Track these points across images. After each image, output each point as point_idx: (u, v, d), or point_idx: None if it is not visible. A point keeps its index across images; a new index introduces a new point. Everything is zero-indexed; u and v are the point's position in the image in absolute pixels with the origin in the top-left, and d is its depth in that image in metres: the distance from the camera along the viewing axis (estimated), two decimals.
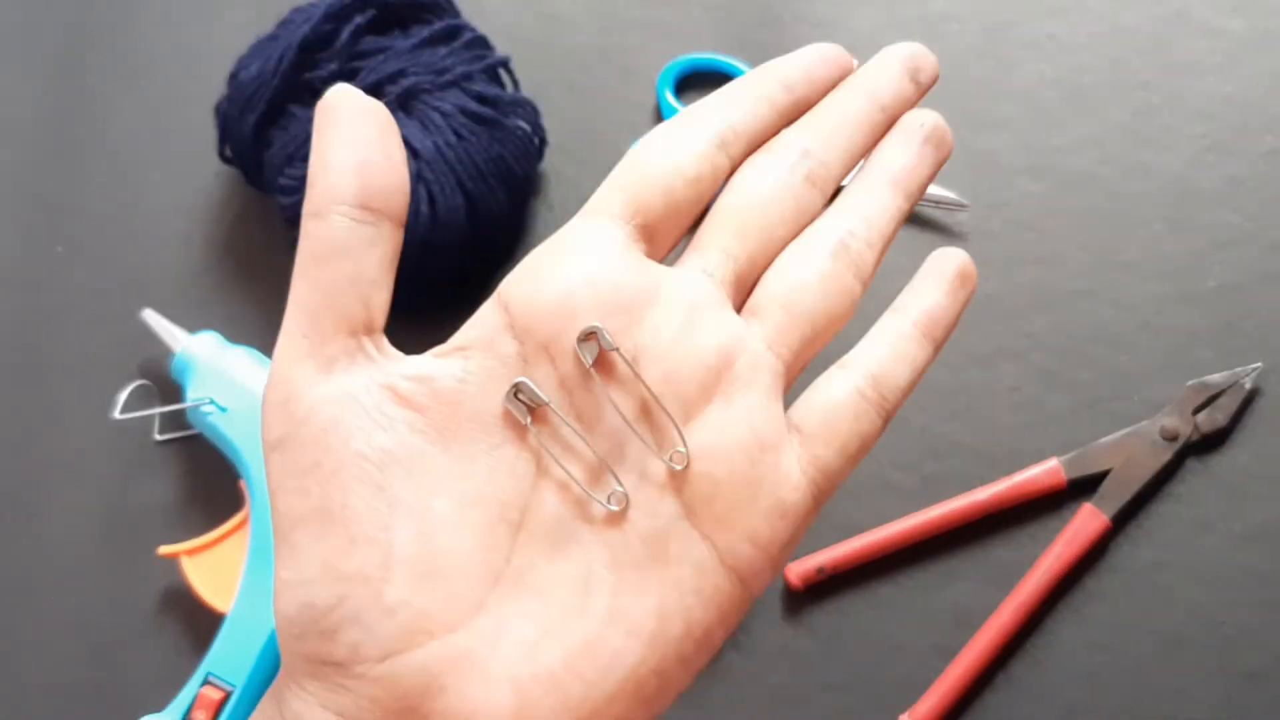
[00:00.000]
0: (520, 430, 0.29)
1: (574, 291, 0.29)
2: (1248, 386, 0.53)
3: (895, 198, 0.33)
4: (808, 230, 0.32)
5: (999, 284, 0.56)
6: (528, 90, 0.61)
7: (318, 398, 0.28)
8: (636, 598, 0.28)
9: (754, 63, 0.61)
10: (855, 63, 0.35)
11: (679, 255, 0.32)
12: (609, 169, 0.61)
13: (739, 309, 0.31)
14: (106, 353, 0.60)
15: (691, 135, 0.31)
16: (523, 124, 0.58)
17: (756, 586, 0.29)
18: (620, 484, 0.29)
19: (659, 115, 0.61)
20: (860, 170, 0.34)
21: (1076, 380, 0.54)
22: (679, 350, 0.29)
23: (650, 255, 0.31)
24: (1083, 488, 0.52)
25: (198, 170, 0.63)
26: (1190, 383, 0.53)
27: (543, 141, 0.60)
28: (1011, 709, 0.51)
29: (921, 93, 0.34)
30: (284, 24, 0.58)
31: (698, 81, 0.62)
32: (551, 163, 0.61)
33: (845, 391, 0.31)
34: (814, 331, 0.31)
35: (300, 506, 0.27)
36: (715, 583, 0.29)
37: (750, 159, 0.32)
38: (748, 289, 0.31)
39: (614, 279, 0.29)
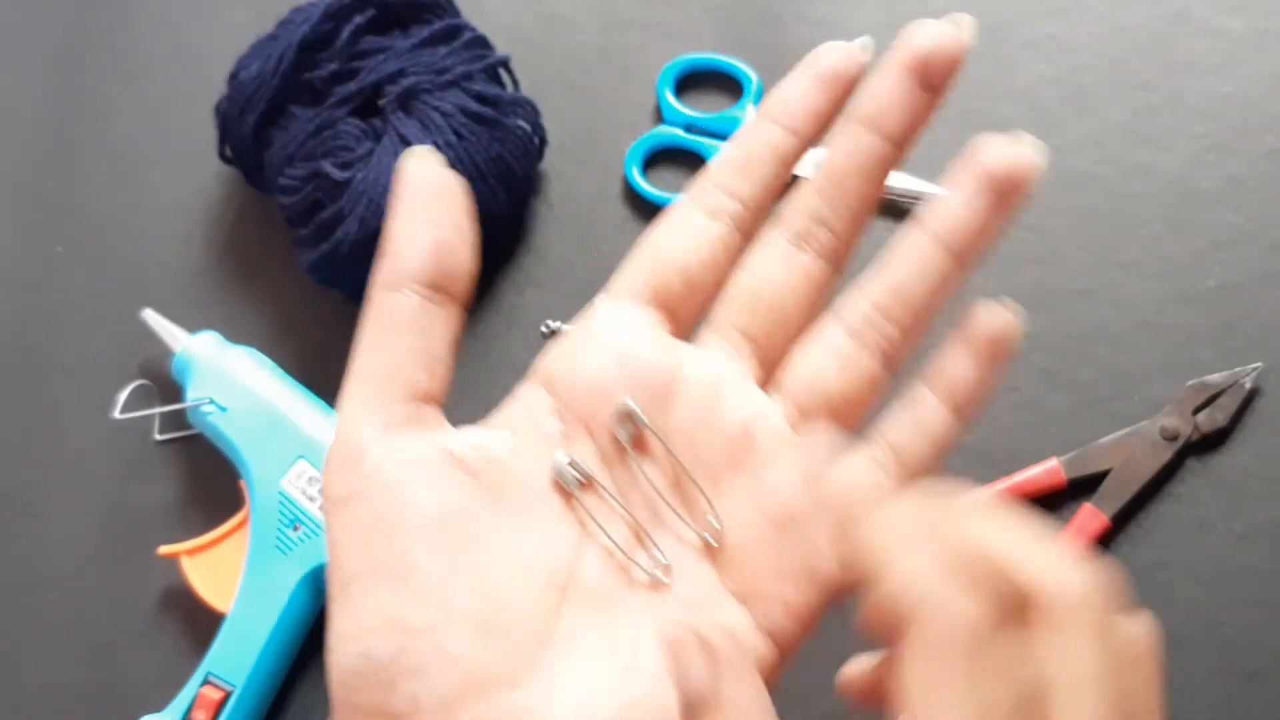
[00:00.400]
0: (565, 500, 0.30)
1: (608, 371, 0.31)
2: (1248, 386, 0.53)
3: (938, 260, 0.32)
4: (836, 304, 0.33)
5: (998, 284, 0.56)
6: (528, 90, 0.61)
7: (384, 457, 0.29)
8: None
9: (754, 63, 0.61)
10: (865, 50, 0.33)
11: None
12: (609, 169, 0.62)
13: (763, 383, 0.32)
14: (106, 353, 0.60)
15: (705, 220, 0.32)
16: (523, 124, 0.58)
17: (790, 650, 0.31)
18: (662, 554, 0.30)
19: (659, 115, 0.61)
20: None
21: (1076, 380, 0.54)
22: (705, 425, 0.31)
23: (674, 332, 0.32)
24: (1082, 487, 0.52)
25: (198, 170, 0.63)
26: (1190, 382, 0.53)
27: (543, 141, 0.60)
28: None
29: (939, 94, 0.32)
30: (284, 24, 0.58)
31: (698, 81, 0.62)
32: (551, 163, 0.61)
33: (862, 464, 0.32)
34: (833, 413, 0.32)
35: (362, 560, 0.28)
36: (752, 646, 0.30)
37: (762, 235, 0.33)
38: (770, 363, 0.33)
39: (644, 358, 0.31)
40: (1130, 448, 0.52)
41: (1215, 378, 0.53)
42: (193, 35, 0.67)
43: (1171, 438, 0.52)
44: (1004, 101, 0.60)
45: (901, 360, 0.32)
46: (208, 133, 0.61)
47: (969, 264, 0.32)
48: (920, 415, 0.32)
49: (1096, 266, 0.56)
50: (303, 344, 0.59)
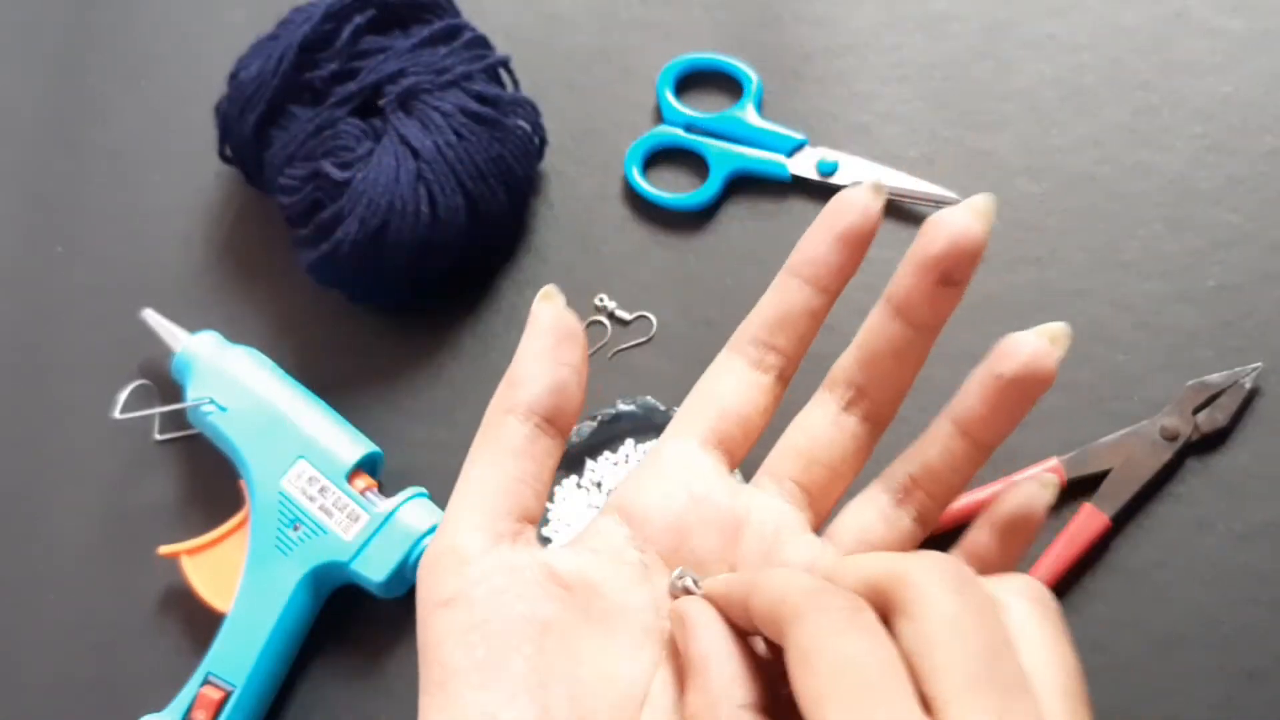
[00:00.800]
0: (646, 625, 0.33)
1: (686, 513, 0.34)
2: (1248, 386, 0.53)
3: (962, 448, 0.35)
4: (884, 474, 0.36)
5: (998, 284, 0.56)
6: (528, 90, 0.61)
7: (490, 565, 0.31)
8: None
9: (754, 63, 0.61)
10: (878, 195, 0.35)
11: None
12: (609, 169, 0.62)
13: (816, 532, 0.35)
14: (107, 352, 0.60)
15: (752, 373, 0.36)
16: (523, 124, 0.58)
17: None
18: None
19: (659, 115, 0.61)
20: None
21: (1076, 380, 0.54)
22: (768, 566, 0.34)
23: (728, 465, 0.36)
24: (1083, 487, 0.52)
25: (198, 170, 0.63)
26: (1190, 382, 0.53)
27: (543, 141, 0.60)
28: None
29: (960, 288, 0.34)
30: (284, 24, 0.58)
31: (698, 81, 0.62)
32: (551, 163, 0.61)
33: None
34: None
35: (465, 660, 0.30)
36: None
37: (815, 396, 0.36)
38: (820, 513, 0.36)
39: (715, 499, 0.34)
40: (1130, 447, 0.52)
41: (1215, 377, 0.53)
42: (193, 35, 0.67)
43: (1171, 437, 0.52)
44: (1004, 101, 0.60)
45: (932, 521, 0.36)
46: (208, 133, 0.61)
47: (989, 449, 0.36)
48: (943, 446, 0.35)
49: (1096, 266, 0.56)
50: (303, 344, 0.59)
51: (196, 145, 0.63)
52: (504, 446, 0.33)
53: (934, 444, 0.35)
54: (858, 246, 0.35)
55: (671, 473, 0.35)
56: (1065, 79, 0.60)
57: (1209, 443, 0.53)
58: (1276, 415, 0.53)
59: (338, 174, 0.55)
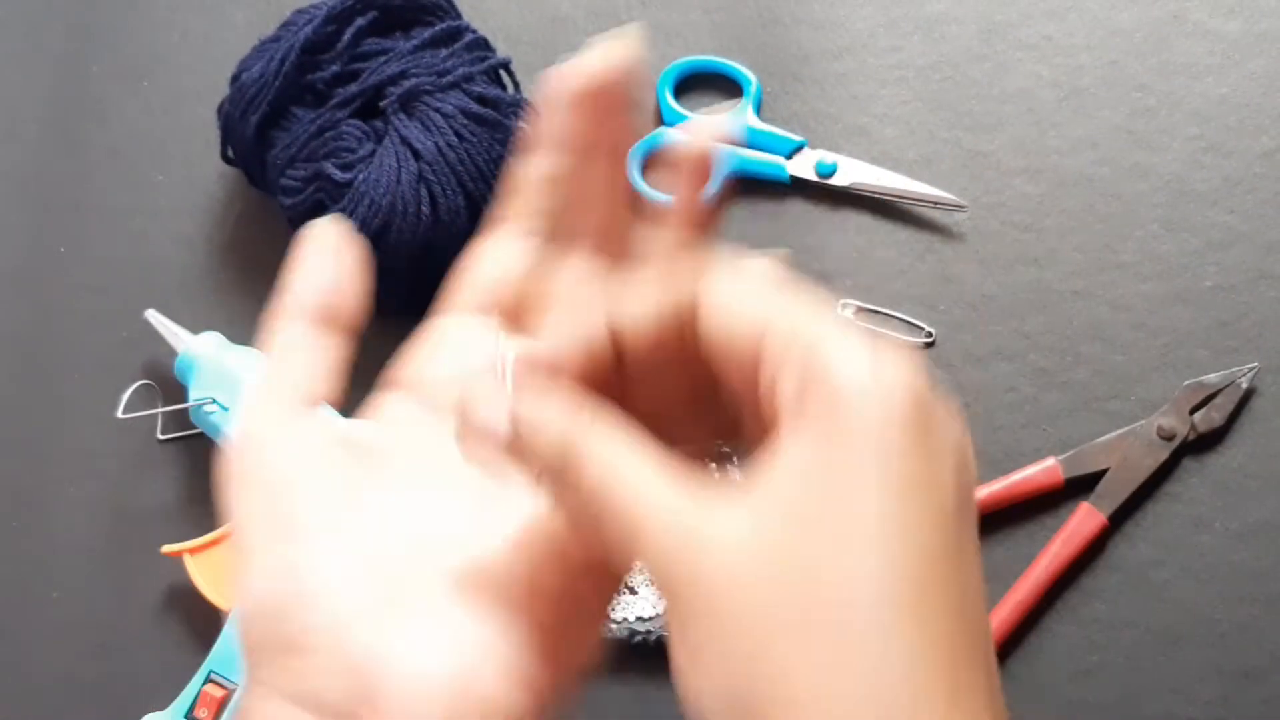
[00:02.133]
0: (457, 477, 0.32)
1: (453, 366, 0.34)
2: (1244, 386, 0.53)
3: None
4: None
5: (996, 284, 0.56)
6: (528, 92, 0.61)
7: (279, 435, 0.32)
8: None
9: (753, 65, 0.61)
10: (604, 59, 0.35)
11: None
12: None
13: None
14: (110, 353, 0.61)
15: (508, 240, 0.36)
16: (524, 125, 0.58)
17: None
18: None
19: (659, 115, 0.62)
20: None
21: (1073, 380, 0.55)
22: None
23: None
24: (1080, 487, 0.52)
25: (200, 171, 0.63)
26: (1187, 382, 0.53)
27: None
28: (1009, 707, 0.51)
29: (618, 116, 0.35)
30: (286, 25, 0.58)
31: (697, 84, 0.62)
32: None
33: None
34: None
35: (260, 523, 0.31)
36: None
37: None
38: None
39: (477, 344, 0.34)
40: (1127, 447, 0.53)
41: (1212, 377, 0.53)
42: (195, 36, 0.67)
43: (1168, 437, 0.52)
44: (1001, 103, 0.60)
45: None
46: (210, 134, 0.61)
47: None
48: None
49: (1093, 267, 0.56)
50: None
51: (199, 146, 0.63)
52: (286, 342, 0.34)
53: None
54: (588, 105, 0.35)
55: (444, 341, 0.35)
56: (1062, 81, 0.60)
57: (1206, 442, 0.53)
58: (1272, 415, 0.53)
59: (339, 175, 0.55)
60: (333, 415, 0.34)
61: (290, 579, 0.30)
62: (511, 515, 0.31)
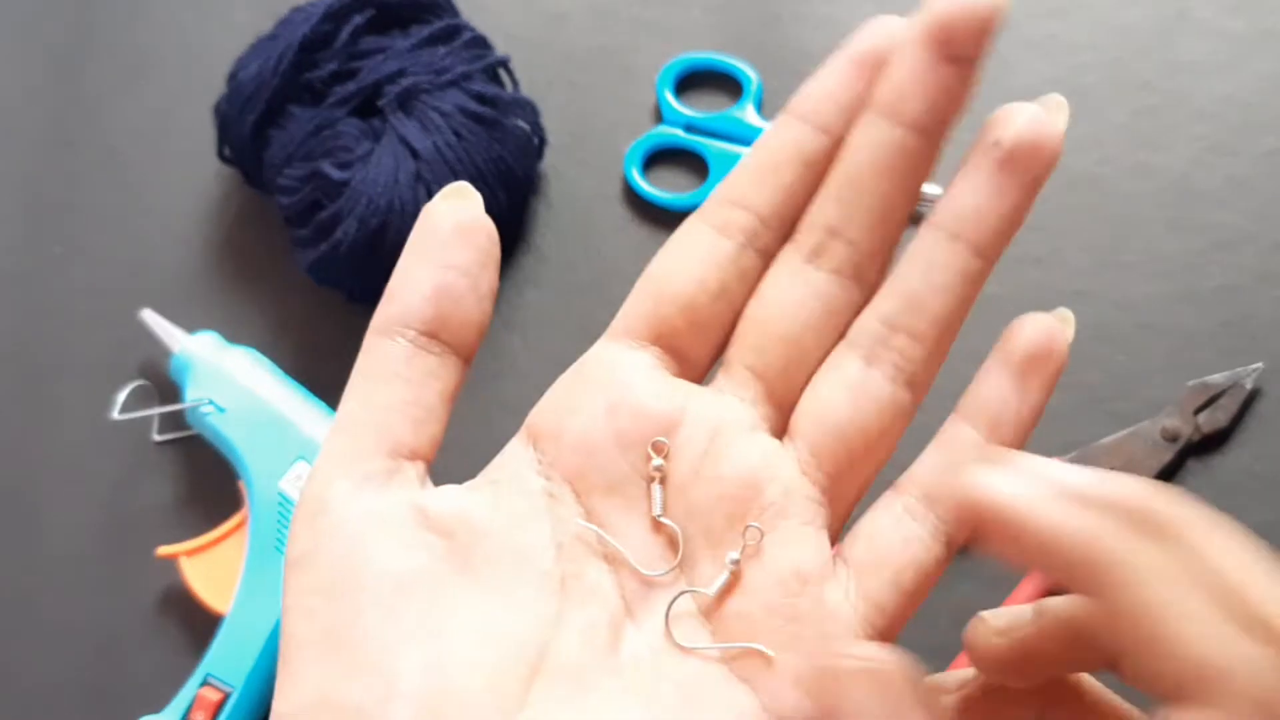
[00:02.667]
0: (544, 570, 0.27)
1: (596, 424, 0.27)
2: (1249, 387, 0.53)
3: (955, 257, 0.28)
4: (850, 335, 0.28)
5: (999, 284, 0.56)
6: (527, 90, 0.60)
7: (345, 514, 0.26)
8: None
9: (754, 63, 0.61)
10: (902, 32, 0.28)
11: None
12: (609, 169, 0.62)
13: (778, 429, 0.28)
14: (105, 353, 0.60)
15: (713, 239, 0.28)
16: (522, 124, 0.58)
17: None
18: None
19: (659, 115, 0.61)
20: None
21: (1076, 381, 0.54)
22: (701, 480, 0.27)
23: (683, 374, 0.29)
24: None
25: (197, 170, 0.63)
26: (1191, 383, 0.53)
27: (542, 141, 0.60)
28: None
29: (969, 68, 0.27)
30: (283, 23, 0.58)
31: (698, 82, 0.62)
32: (551, 163, 0.61)
33: (893, 515, 0.28)
34: (851, 451, 0.27)
35: (307, 629, 0.25)
36: None
37: (778, 256, 0.28)
38: (786, 405, 0.28)
39: (637, 407, 0.27)
40: (1131, 448, 0.52)
41: (1216, 378, 0.53)
42: (192, 35, 0.67)
43: (1172, 438, 0.52)
44: (1004, 101, 0.59)
45: (927, 380, 0.29)
46: (207, 133, 0.61)
47: (991, 257, 0.28)
48: (957, 452, 0.28)
49: (1097, 267, 0.56)
50: (302, 344, 0.58)
51: (195, 145, 0.63)
52: (373, 373, 0.27)
53: (915, 264, 0.27)
54: (874, 75, 0.27)
55: (589, 379, 0.28)
56: (1066, 79, 0.59)
57: (1210, 443, 0.52)
58: (1278, 415, 0.53)
59: (337, 174, 0.55)
60: (423, 478, 0.28)
61: (328, 716, 0.24)
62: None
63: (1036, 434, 0.53)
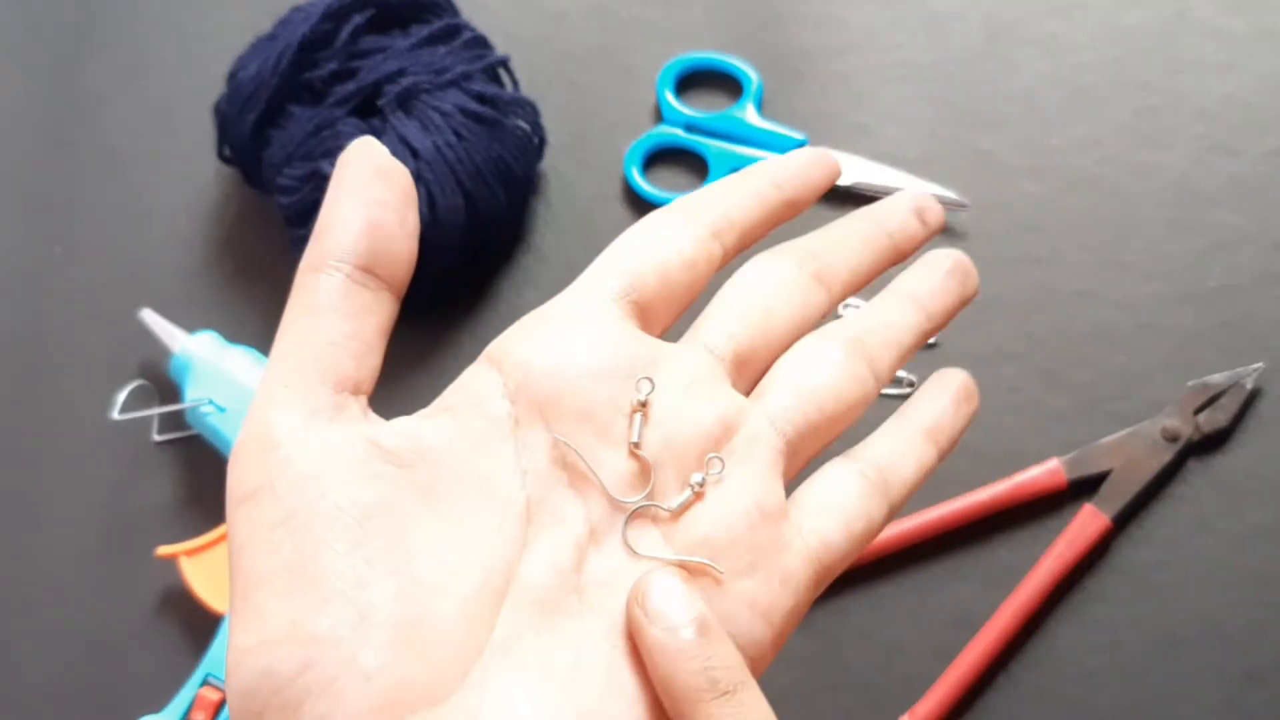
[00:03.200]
0: (508, 495, 0.27)
1: (574, 355, 0.29)
2: (1249, 387, 0.53)
3: (916, 313, 0.33)
4: (824, 326, 0.32)
5: (999, 284, 0.56)
6: (527, 90, 0.60)
7: (297, 448, 0.26)
8: (636, 667, 0.26)
9: (754, 63, 0.61)
10: (839, 167, 0.36)
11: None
12: (609, 169, 0.62)
13: (744, 392, 0.31)
14: (105, 353, 0.60)
15: (685, 220, 0.32)
16: (522, 124, 0.58)
17: (756, 655, 0.28)
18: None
19: (659, 115, 0.61)
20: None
21: (1077, 380, 0.54)
22: (678, 419, 0.29)
23: (638, 323, 0.31)
24: (1083, 488, 0.52)
25: (196, 170, 0.63)
26: (1191, 383, 0.53)
27: (542, 141, 0.60)
28: (1012, 710, 0.50)
29: (928, 233, 0.35)
30: (283, 23, 0.58)
31: (698, 81, 0.62)
32: (551, 162, 0.61)
33: (848, 474, 0.31)
34: (821, 414, 0.30)
35: (267, 563, 0.25)
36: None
37: (756, 257, 0.32)
38: (751, 375, 0.31)
39: (614, 346, 0.29)
40: (1131, 448, 0.52)
41: (1216, 378, 0.53)
42: (192, 35, 0.67)
43: (1172, 438, 0.52)
44: (1005, 101, 0.60)
45: (888, 380, 0.33)
46: (207, 132, 0.61)
47: (939, 323, 0.34)
48: (902, 441, 0.32)
49: (1097, 267, 0.56)
50: None
51: (195, 145, 0.63)
52: (310, 307, 0.27)
53: (884, 304, 0.34)
54: (827, 173, 0.35)
55: (562, 317, 0.29)
56: (1066, 79, 0.59)
57: (1210, 443, 0.52)
58: (1278, 416, 0.53)
59: None
60: (365, 411, 0.28)
61: (303, 653, 0.24)
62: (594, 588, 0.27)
63: (1038, 434, 0.53)
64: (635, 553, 0.28)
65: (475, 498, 0.27)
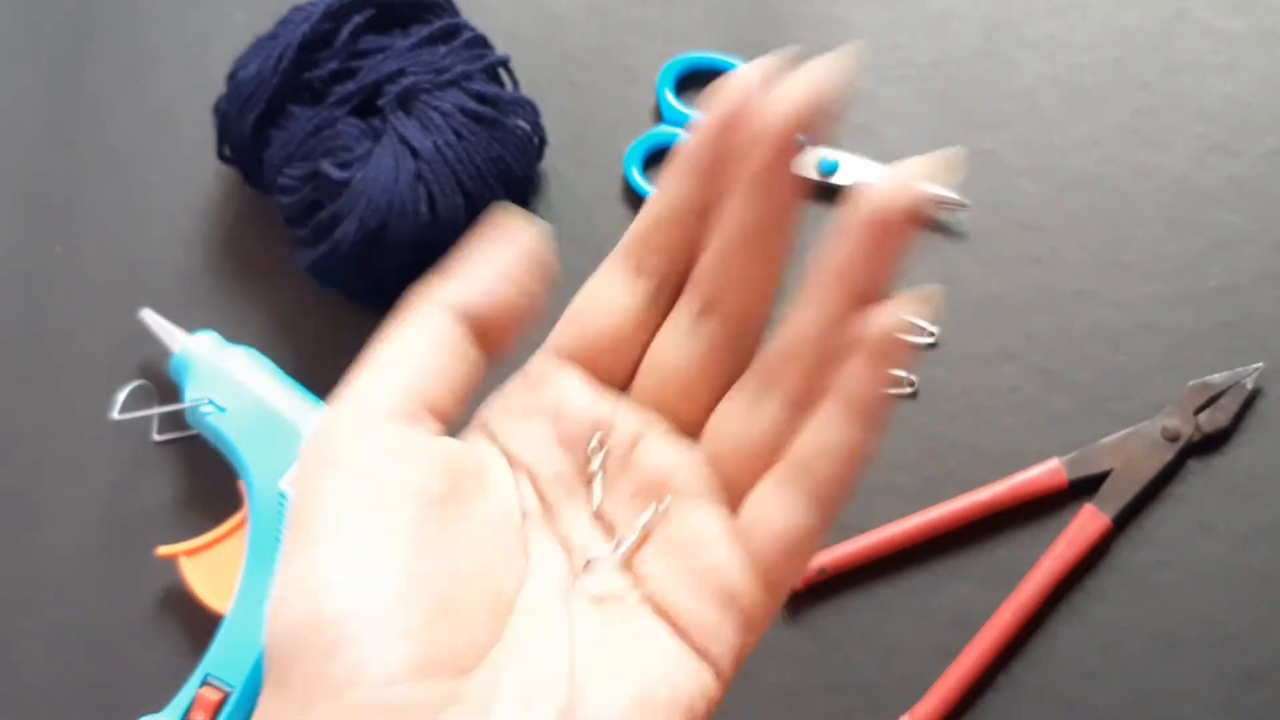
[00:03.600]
0: (515, 526, 0.31)
1: (546, 431, 0.31)
2: (1249, 386, 0.53)
3: (831, 306, 0.29)
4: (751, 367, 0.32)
5: (999, 284, 0.56)
6: (527, 90, 0.60)
7: (379, 436, 0.29)
8: (628, 657, 0.29)
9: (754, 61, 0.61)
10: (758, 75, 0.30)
11: None
12: (609, 169, 0.62)
13: (687, 437, 0.32)
14: (105, 353, 0.60)
15: (623, 285, 0.32)
16: (522, 124, 0.58)
17: (722, 664, 0.31)
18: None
19: (659, 115, 0.61)
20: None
21: (1077, 380, 0.54)
22: (627, 471, 0.31)
23: (607, 384, 0.32)
24: (1084, 488, 0.52)
25: (197, 170, 0.63)
26: (1191, 383, 0.53)
27: (542, 141, 0.60)
28: (1012, 710, 0.50)
29: (797, 121, 0.29)
30: (283, 23, 0.58)
31: (698, 81, 0.62)
32: (551, 163, 0.61)
33: (777, 491, 0.30)
34: (744, 459, 0.31)
35: (331, 524, 0.27)
36: (682, 664, 0.30)
37: (667, 320, 0.32)
38: (692, 425, 0.32)
39: (576, 415, 0.31)
40: (1131, 448, 0.52)
41: (1217, 378, 0.53)
42: (192, 34, 0.67)
43: (1173, 438, 0.52)
44: (1004, 101, 0.60)
45: (812, 402, 0.30)
46: (207, 132, 0.61)
47: (868, 301, 0.29)
48: (829, 434, 0.29)
49: (1097, 266, 0.56)
50: (302, 344, 0.58)
51: (195, 145, 0.63)
52: (421, 332, 0.30)
53: (802, 308, 0.30)
54: (734, 134, 0.30)
55: (537, 387, 0.32)
56: (1066, 79, 0.59)
57: (1210, 443, 0.52)
58: (1278, 416, 0.53)
59: (337, 174, 0.54)
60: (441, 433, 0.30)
61: (354, 596, 0.26)
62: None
63: (1038, 434, 0.53)
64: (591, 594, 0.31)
65: (499, 522, 0.30)
